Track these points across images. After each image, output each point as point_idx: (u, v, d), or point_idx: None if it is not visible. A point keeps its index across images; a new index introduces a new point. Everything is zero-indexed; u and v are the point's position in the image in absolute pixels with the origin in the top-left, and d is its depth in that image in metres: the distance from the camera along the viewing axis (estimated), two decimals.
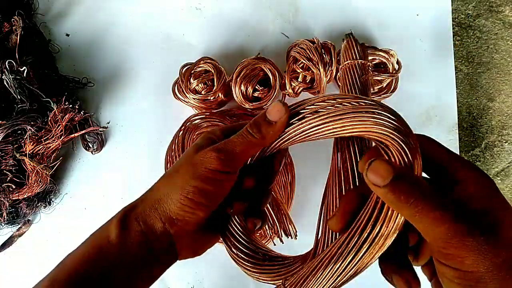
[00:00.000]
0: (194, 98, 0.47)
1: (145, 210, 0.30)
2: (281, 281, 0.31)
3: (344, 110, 0.27)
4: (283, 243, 0.46)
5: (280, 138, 0.30)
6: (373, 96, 0.49)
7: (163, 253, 0.30)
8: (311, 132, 0.28)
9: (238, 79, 0.47)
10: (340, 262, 0.26)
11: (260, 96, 0.48)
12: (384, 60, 0.47)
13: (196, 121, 0.49)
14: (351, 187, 0.30)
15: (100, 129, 0.51)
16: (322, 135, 0.28)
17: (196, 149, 0.30)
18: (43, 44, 0.53)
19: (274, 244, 0.46)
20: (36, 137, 0.46)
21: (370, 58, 0.47)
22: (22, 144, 0.46)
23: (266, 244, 0.47)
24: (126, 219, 0.30)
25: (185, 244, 0.31)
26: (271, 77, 0.47)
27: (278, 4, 0.54)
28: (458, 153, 0.50)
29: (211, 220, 0.32)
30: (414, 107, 0.50)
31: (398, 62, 0.48)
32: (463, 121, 0.52)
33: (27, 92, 0.47)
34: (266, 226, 0.45)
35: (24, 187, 0.47)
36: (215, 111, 0.51)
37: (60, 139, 0.47)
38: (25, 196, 0.47)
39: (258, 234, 0.47)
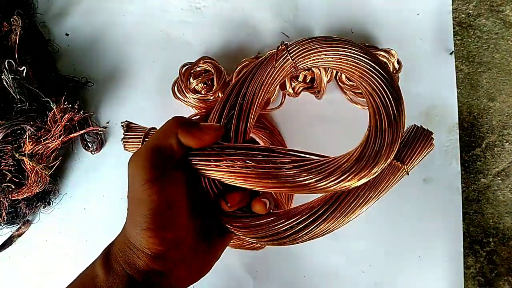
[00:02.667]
0: (193, 98, 0.47)
1: (122, 250, 0.28)
2: None
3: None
4: None
5: None
6: None
7: None
8: None
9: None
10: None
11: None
12: (384, 60, 0.47)
13: None
14: None
15: (99, 129, 0.51)
16: None
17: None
18: (43, 44, 0.53)
19: None
20: (36, 137, 0.46)
21: None
22: (22, 144, 0.46)
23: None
24: (109, 261, 0.28)
25: (182, 273, 0.29)
26: None
27: (278, 3, 0.54)
28: (458, 153, 0.50)
29: (207, 231, 0.30)
30: (414, 107, 0.50)
31: (398, 62, 0.48)
32: (463, 121, 0.52)
33: (26, 92, 0.46)
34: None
35: (24, 187, 0.47)
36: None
37: (60, 139, 0.47)
38: (25, 196, 0.47)
39: None
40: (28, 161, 0.45)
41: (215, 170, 0.30)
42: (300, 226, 0.31)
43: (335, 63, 0.32)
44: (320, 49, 0.32)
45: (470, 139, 0.52)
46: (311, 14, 0.53)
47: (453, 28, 0.52)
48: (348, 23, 0.53)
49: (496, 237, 0.51)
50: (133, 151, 0.34)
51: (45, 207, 0.51)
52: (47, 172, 0.47)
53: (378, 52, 0.47)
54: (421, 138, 0.35)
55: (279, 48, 0.33)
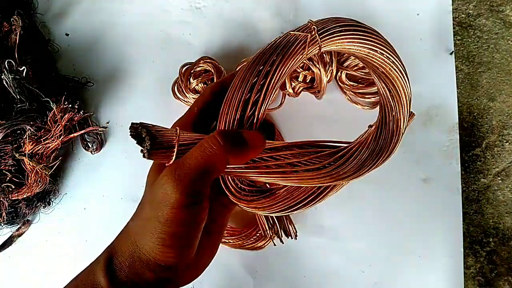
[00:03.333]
0: (194, 98, 0.47)
1: (129, 259, 0.26)
2: None
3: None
4: (283, 243, 0.46)
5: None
6: (373, 95, 0.49)
7: None
8: None
9: None
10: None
11: None
12: None
13: None
14: None
15: (99, 129, 0.51)
16: None
17: (156, 172, 0.27)
18: (43, 44, 0.53)
19: (274, 244, 0.46)
20: (36, 137, 0.46)
21: None
22: (22, 144, 0.46)
23: (266, 244, 0.47)
24: (112, 269, 0.26)
25: (188, 277, 0.28)
26: None
27: (278, 3, 0.54)
28: (458, 153, 0.50)
29: (211, 225, 0.30)
30: (414, 107, 0.50)
31: None
32: (463, 121, 0.52)
33: (26, 92, 0.46)
34: (266, 226, 0.45)
35: (24, 187, 0.47)
36: None
37: (60, 139, 0.47)
38: (25, 196, 0.47)
39: (258, 235, 0.47)
40: (28, 161, 0.45)
41: (249, 175, 0.28)
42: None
43: (361, 53, 0.32)
44: (349, 37, 0.31)
45: (470, 139, 0.52)
46: (311, 14, 0.53)
47: (453, 28, 0.52)
48: None
49: (496, 237, 0.51)
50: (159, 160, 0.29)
51: (45, 207, 0.51)
52: (47, 172, 0.47)
53: None
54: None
55: (308, 25, 0.31)
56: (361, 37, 0.31)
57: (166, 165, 0.27)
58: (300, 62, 0.32)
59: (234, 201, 0.31)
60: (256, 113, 0.30)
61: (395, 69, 0.32)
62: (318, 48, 0.31)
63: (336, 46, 0.31)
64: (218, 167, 0.26)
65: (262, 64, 0.30)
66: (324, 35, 0.30)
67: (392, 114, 0.32)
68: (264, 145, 0.28)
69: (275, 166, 0.28)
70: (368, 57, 0.32)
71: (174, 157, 0.26)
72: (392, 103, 0.33)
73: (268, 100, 0.30)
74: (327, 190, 0.31)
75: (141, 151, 0.25)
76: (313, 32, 0.30)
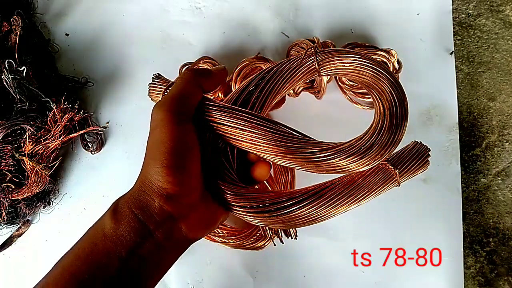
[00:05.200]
0: None
1: (134, 194, 0.29)
2: None
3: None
4: (283, 243, 0.46)
5: None
6: None
7: (167, 239, 0.28)
8: None
9: (238, 79, 0.47)
10: None
11: None
12: (385, 60, 0.47)
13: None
14: None
15: (99, 129, 0.51)
16: None
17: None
18: (43, 44, 0.53)
19: (274, 244, 0.46)
20: (36, 137, 0.46)
21: None
22: (22, 144, 0.46)
23: (266, 244, 0.47)
24: (118, 208, 0.28)
25: (192, 221, 0.29)
26: None
27: (278, 3, 0.54)
28: (458, 153, 0.50)
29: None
30: (414, 107, 0.50)
31: (398, 62, 0.48)
32: (463, 121, 0.52)
33: (26, 92, 0.46)
34: (266, 226, 0.45)
35: (24, 187, 0.47)
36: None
37: (60, 139, 0.47)
38: (25, 196, 0.47)
39: (258, 235, 0.47)
40: (28, 161, 0.45)
41: (226, 124, 0.32)
42: (286, 204, 0.32)
43: (354, 75, 0.36)
44: (344, 60, 0.35)
45: (470, 139, 0.52)
46: (311, 14, 0.53)
47: (453, 28, 0.52)
48: (348, 23, 0.53)
49: (496, 237, 0.51)
50: (156, 98, 0.38)
51: (45, 207, 0.51)
52: (47, 172, 0.47)
53: (378, 52, 0.47)
54: (419, 154, 0.37)
55: (308, 51, 0.36)
56: (354, 62, 0.35)
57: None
58: (298, 79, 0.37)
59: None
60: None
61: (387, 84, 0.34)
62: (316, 70, 0.37)
63: (334, 70, 0.36)
64: (193, 90, 0.32)
65: (263, 75, 0.36)
66: (322, 58, 0.36)
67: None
68: (226, 73, 0.36)
69: (251, 127, 0.32)
70: (360, 76, 0.35)
71: (162, 93, 0.36)
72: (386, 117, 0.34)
73: (265, 101, 0.36)
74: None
75: (148, 84, 0.38)
76: (312, 56, 0.36)
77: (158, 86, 0.38)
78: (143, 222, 0.28)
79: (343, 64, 0.36)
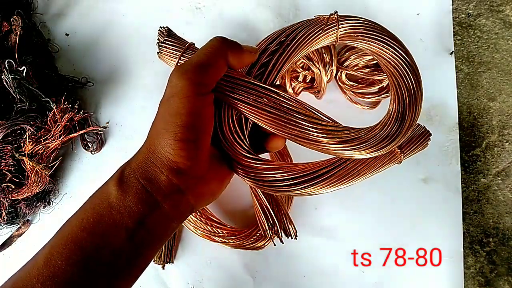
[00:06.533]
0: None
1: (141, 165, 0.28)
2: None
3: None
4: (283, 243, 0.46)
5: None
6: (373, 95, 0.49)
7: (174, 210, 0.28)
8: None
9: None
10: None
11: None
12: None
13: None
14: None
15: (99, 129, 0.51)
16: None
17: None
18: (43, 44, 0.53)
19: (274, 244, 0.46)
20: (36, 137, 0.46)
21: (370, 57, 0.47)
22: (22, 144, 0.46)
23: (266, 244, 0.47)
24: (124, 178, 0.27)
25: (199, 192, 0.29)
26: None
27: (278, 3, 0.54)
28: (458, 153, 0.50)
29: (219, 157, 0.31)
30: None
31: None
32: (463, 121, 0.52)
33: (26, 92, 0.46)
34: (266, 226, 0.45)
35: (24, 187, 0.47)
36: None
37: (60, 139, 0.47)
38: (25, 196, 0.47)
39: (258, 235, 0.47)
40: (28, 161, 0.45)
41: (241, 100, 0.31)
42: (298, 181, 0.32)
43: (373, 50, 0.35)
44: (366, 34, 0.35)
45: (470, 139, 0.52)
46: (311, 14, 0.53)
47: (453, 28, 0.52)
48: None
49: (496, 237, 0.51)
50: (169, 60, 0.35)
51: (45, 207, 0.51)
52: (47, 172, 0.47)
53: None
54: (421, 136, 0.38)
55: (331, 16, 0.35)
56: (376, 37, 0.35)
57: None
58: (317, 43, 0.35)
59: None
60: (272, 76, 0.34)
61: (403, 63, 0.35)
62: (336, 38, 0.35)
63: (354, 41, 0.35)
64: (218, 62, 0.29)
65: (284, 36, 0.35)
66: (343, 26, 0.35)
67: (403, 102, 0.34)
68: (257, 52, 0.33)
69: (266, 101, 0.32)
70: (380, 53, 0.35)
71: (179, 57, 0.33)
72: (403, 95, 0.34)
73: (283, 64, 0.34)
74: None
75: (157, 43, 0.34)
76: (334, 22, 0.35)
77: (172, 46, 0.35)
78: (151, 194, 0.27)
79: (363, 40, 0.35)
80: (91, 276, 0.25)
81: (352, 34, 0.35)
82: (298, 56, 0.35)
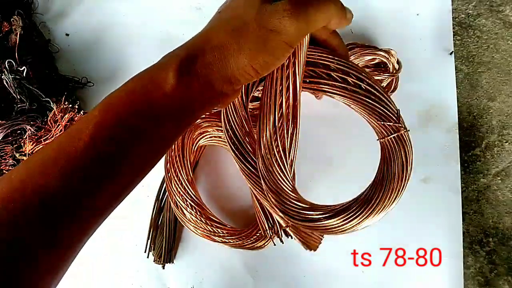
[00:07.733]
0: None
1: (207, 66, 0.27)
2: None
3: None
4: (283, 243, 0.46)
5: None
6: None
7: (210, 107, 0.30)
8: None
9: None
10: None
11: (260, 96, 0.48)
12: (384, 60, 0.47)
13: (196, 121, 0.49)
14: None
15: None
16: None
17: None
18: (43, 44, 0.53)
19: (274, 244, 0.46)
20: (36, 137, 0.46)
21: (370, 58, 0.47)
22: (22, 144, 0.46)
23: (266, 244, 0.47)
24: (185, 72, 0.27)
25: (228, 97, 0.30)
26: None
27: None
28: (458, 153, 0.50)
29: None
30: (414, 107, 0.50)
31: (398, 62, 0.48)
32: (463, 121, 0.52)
33: (26, 92, 0.47)
34: (266, 226, 0.45)
35: None
36: (215, 110, 0.50)
37: None
38: None
39: (258, 235, 0.47)
40: None
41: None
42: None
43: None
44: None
45: (470, 139, 0.52)
46: None
47: (453, 28, 0.52)
48: None
49: (496, 237, 0.51)
50: None
51: None
52: None
53: (378, 52, 0.47)
54: None
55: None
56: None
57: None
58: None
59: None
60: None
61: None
62: None
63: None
64: (333, 20, 0.30)
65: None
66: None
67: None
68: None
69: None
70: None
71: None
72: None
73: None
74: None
75: None
76: None
77: None
78: (203, 95, 0.28)
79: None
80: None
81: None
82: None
